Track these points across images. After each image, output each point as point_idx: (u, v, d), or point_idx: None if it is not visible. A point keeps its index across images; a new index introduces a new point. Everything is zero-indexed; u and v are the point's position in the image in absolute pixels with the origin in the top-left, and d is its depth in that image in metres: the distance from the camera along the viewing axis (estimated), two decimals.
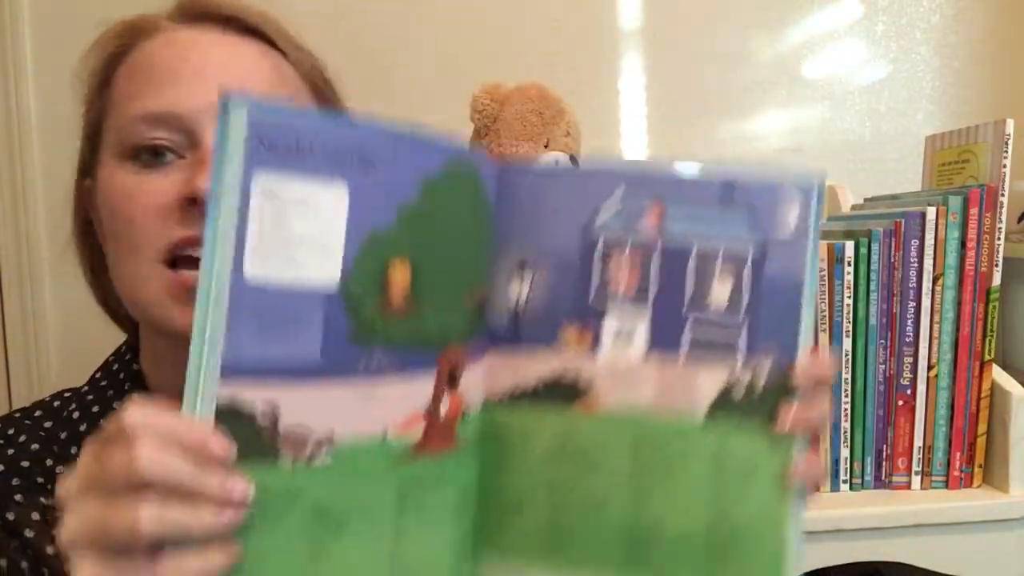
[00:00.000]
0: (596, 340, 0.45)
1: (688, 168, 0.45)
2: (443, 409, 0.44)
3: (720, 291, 0.44)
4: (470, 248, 0.44)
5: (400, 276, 0.41)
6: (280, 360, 0.38)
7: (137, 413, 0.36)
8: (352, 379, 0.40)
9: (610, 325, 0.45)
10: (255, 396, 0.37)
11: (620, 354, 0.45)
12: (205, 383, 0.37)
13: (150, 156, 0.52)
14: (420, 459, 0.42)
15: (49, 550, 0.52)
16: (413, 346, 0.42)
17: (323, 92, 0.61)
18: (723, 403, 0.44)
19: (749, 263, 0.44)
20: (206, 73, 0.54)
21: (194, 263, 0.51)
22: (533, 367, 0.45)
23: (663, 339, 0.44)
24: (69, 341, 1.24)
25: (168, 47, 0.55)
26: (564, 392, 0.45)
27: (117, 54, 0.57)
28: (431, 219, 0.42)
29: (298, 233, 0.38)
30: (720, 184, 0.45)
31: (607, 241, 0.45)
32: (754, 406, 0.44)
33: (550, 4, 1.29)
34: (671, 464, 0.44)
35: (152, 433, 0.35)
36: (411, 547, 0.42)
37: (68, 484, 0.37)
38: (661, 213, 0.45)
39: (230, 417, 0.37)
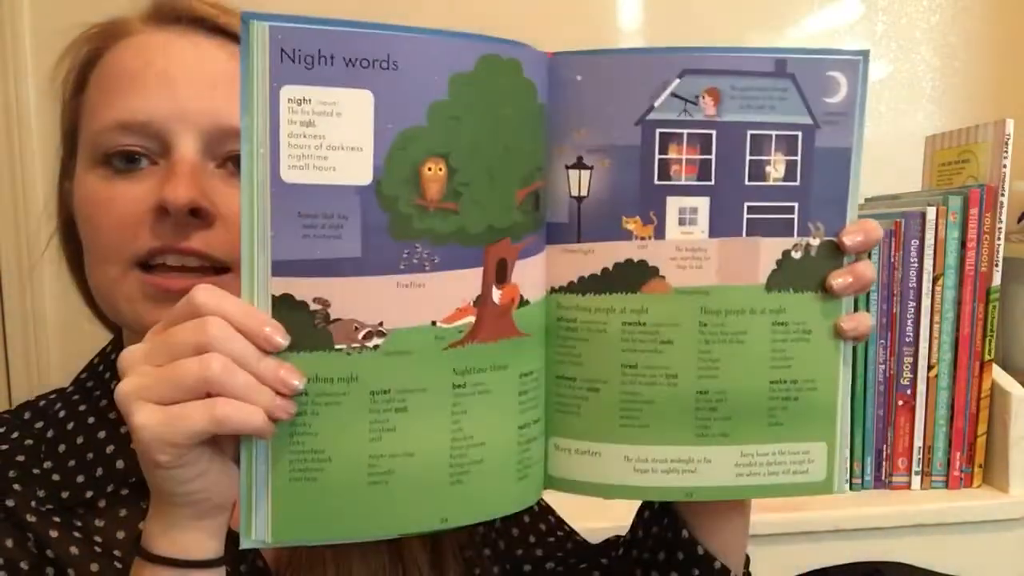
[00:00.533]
0: (660, 226, 0.47)
1: (740, 50, 0.47)
2: (496, 299, 0.45)
3: (776, 166, 0.47)
4: (519, 142, 0.45)
5: (433, 173, 0.43)
6: (325, 256, 0.41)
7: (207, 294, 0.40)
8: (395, 273, 0.42)
9: (672, 210, 0.47)
10: (305, 290, 0.41)
11: (684, 237, 0.47)
12: (259, 280, 0.41)
13: (123, 162, 0.52)
14: (474, 345, 0.44)
15: (52, 534, 0.52)
16: (457, 241, 0.43)
17: None
18: (781, 271, 0.47)
19: (801, 137, 0.47)
20: (175, 78, 0.53)
21: (167, 269, 0.51)
22: (598, 257, 0.47)
23: (724, 217, 0.47)
24: (69, 341, 1.24)
25: (142, 51, 0.54)
26: (631, 278, 0.47)
27: (91, 59, 0.56)
28: (467, 115, 0.43)
29: (328, 138, 0.41)
30: (773, 61, 0.46)
31: (665, 129, 0.46)
32: (808, 272, 0.48)
33: (550, 4, 1.29)
34: (737, 331, 0.47)
35: (220, 312, 0.39)
36: (474, 425, 0.45)
37: (132, 352, 0.41)
38: (717, 96, 0.46)
39: (285, 309, 0.41)
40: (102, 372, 0.60)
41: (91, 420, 0.57)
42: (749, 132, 0.46)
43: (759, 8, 1.31)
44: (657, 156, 0.46)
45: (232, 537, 0.55)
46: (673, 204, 0.47)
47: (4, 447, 0.56)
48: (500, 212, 0.45)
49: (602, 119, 0.46)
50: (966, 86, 1.33)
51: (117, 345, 0.62)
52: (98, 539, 0.53)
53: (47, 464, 0.55)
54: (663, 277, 0.47)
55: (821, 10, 1.31)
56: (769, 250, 0.47)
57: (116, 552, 0.53)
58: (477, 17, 1.27)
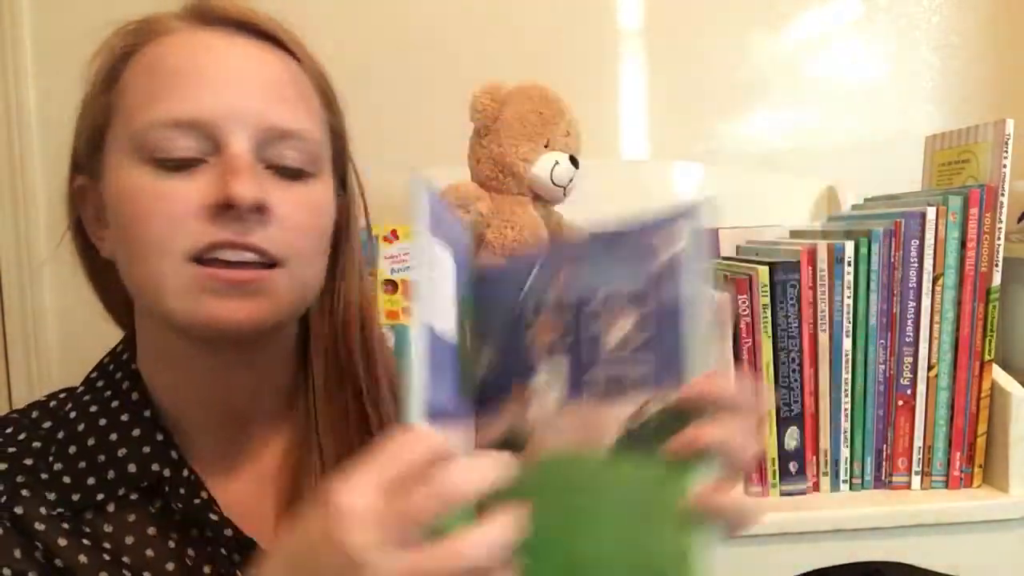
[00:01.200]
0: (531, 395, 0.48)
1: (584, 232, 0.50)
2: None
3: (620, 330, 0.47)
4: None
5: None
6: (438, 401, 0.42)
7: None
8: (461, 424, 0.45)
9: (539, 379, 0.48)
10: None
11: (546, 403, 0.47)
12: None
13: (173, 161, 0.52)
14: None
15: (61, 542, 0.52)
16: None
17: (330, 101, 0.62)
18: (625, 437, 0.44)
19: (641, 298, 0.47)
20: (229, 78, 0.54)
21: (222, 263, 0.52)
22: (493, 427, 0.48)
23: (578, 383, 0.47)
24: (69, 341, 1.24)
25: (186, 49, 0.54)
26: (512, 447, 0.47)
27: (126, 53, 0.56)
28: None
29: (441, 291, 0.44)
30: (610, 234, 0.49)
31: (529, 308, 0.50)
32: (649, 436, 0.44)
33: (550, 4, 1.29)
34: (589, 503, 0.44)
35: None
36: None
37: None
38: (566, 275, 0.49)
39: None
40: (113, 372, 0.60)
41: (103, 422, 0.57)
42: (593, 300, 0.47)
43: (759, 8, 1.31)
44: (526, 333, 0.48)
45: (240, 541, 0.55)
46: (539, 374, 0.48)
47: (12, 450, 0.56)
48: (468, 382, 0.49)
49: (493, 309, 0.50)
50: (966, 86, 1.33)
51: (129, 344, 0.62)
52: (107, 545, 0.53)
53: (57, 466, 0.55)
54: (533, 446, 0.46)
55: (821, 10, 1.31)
56: (617, 413, 0.45)
57: (125, 559, 0.53)
58: (477, 16, 1.27)
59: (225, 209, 0.51)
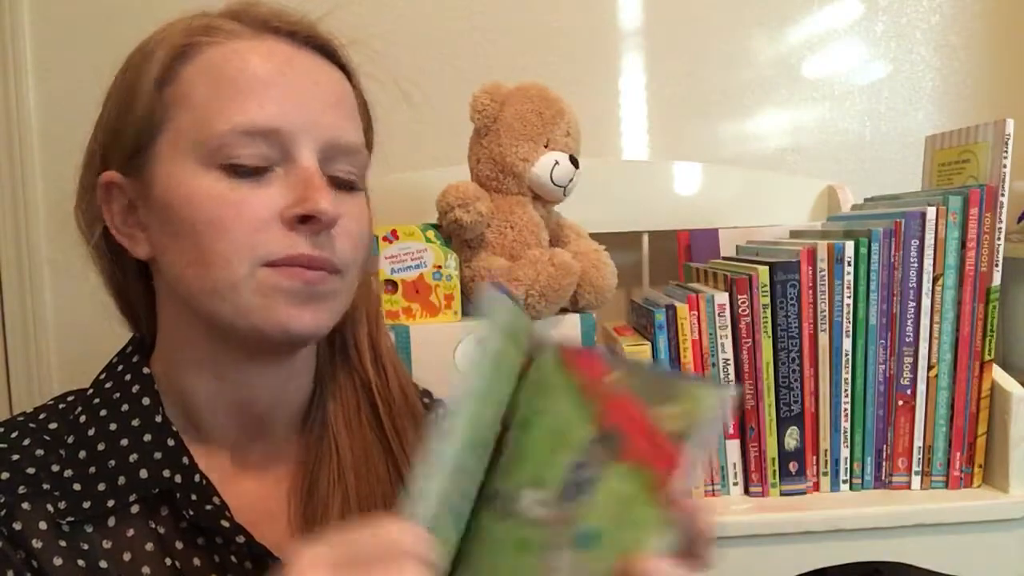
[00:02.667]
0: None
1: None
2: None
3: None
4: None
5: None
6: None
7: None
8: None
9: None
10: None
11: None
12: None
13: (246, 168, 0.53)
14: None
15: (56, 561, 0.52)
16: None
17: (369, 117, 0.63)
18: None
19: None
20: (301, 90, 0.55)
21: (298, 276, 0.53)
22: None
23: None
24: (69, 341, 1.24)
25: (259, 57, 0.55)
26: None
27: (184, 52, 0.55)
28: None
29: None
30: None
31: None
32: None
33: (550, 4, 1.29)
34: None
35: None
36: None
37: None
38: None
39: None
40: (122, 373, 0.60)
41: (113, 427, 0.57)
42: None
43: (759, 8, 1.31)
44: None
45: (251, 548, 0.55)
46: None
47: (15, 457, 0.55)
48: None
49: None
50: (966, 86, 1.33)
51: (139, 345, 0.62)
52: (104, 564, 0.53)
53: (68, 472, 0.55)
54: None
55: (821, 10, 1.31)
56: None
57: None
58: (477, 16, 1.27)
59: (304, 220, 0.53)
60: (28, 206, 1.24)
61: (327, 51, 0.59)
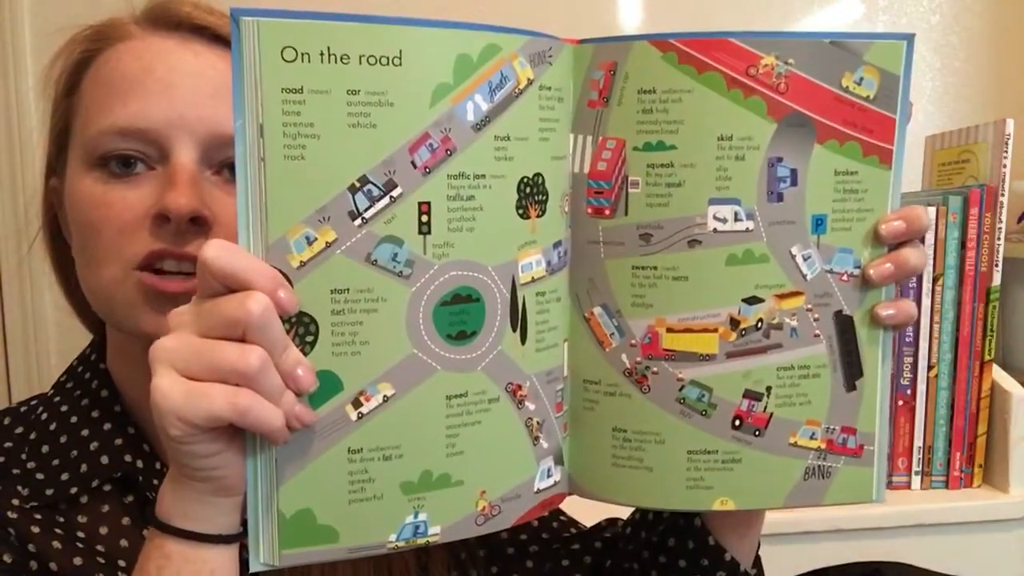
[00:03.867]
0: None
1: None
2: None
3: None
4: None
5: None
6: None
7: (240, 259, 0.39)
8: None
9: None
10: None
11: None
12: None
13: (119, 166, 0.53)
14: None
15: (34, 529, 0.52)
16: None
17: None
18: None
19: None
20: (175, 85, 0.53)
21: (165, 273, 0.52)
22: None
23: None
24: (69, 341, 1.24)
25: (135, 57, 0.54)
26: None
27: (84, 60, 0.56)
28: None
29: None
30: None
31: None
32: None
33: (550, 4, 1.29)
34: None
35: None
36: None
37: (179, 311, 0.41)
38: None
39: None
40: (82, 373, 0.61)
41: (74, 419, 0.57)
42: None
43: (759, 8, 1.31)
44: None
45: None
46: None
47: None
48: None
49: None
50: (966, 86, 1.33)
51: (97, 348, 0.62)
52: (80, 535, 0.53)
53: (30, 464, 0.55)
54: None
55: (821, 10, 1.31)
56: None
57: (99, 547, 0.53)
58: (477, 13, 1.27)
59: (163, 220, 0.51)
60: (28, 206, 1.24)
61: (216, 36, 0.56)
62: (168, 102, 0.53)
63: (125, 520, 0.55)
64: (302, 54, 0.40)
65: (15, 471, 0.55)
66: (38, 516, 0.53)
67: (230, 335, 0.39)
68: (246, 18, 0.39)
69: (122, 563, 0.53)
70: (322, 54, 0.40)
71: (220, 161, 0.53)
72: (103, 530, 0.54)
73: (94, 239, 0.53)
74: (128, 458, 0.56)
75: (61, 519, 0.54)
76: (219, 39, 0.56)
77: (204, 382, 0.38)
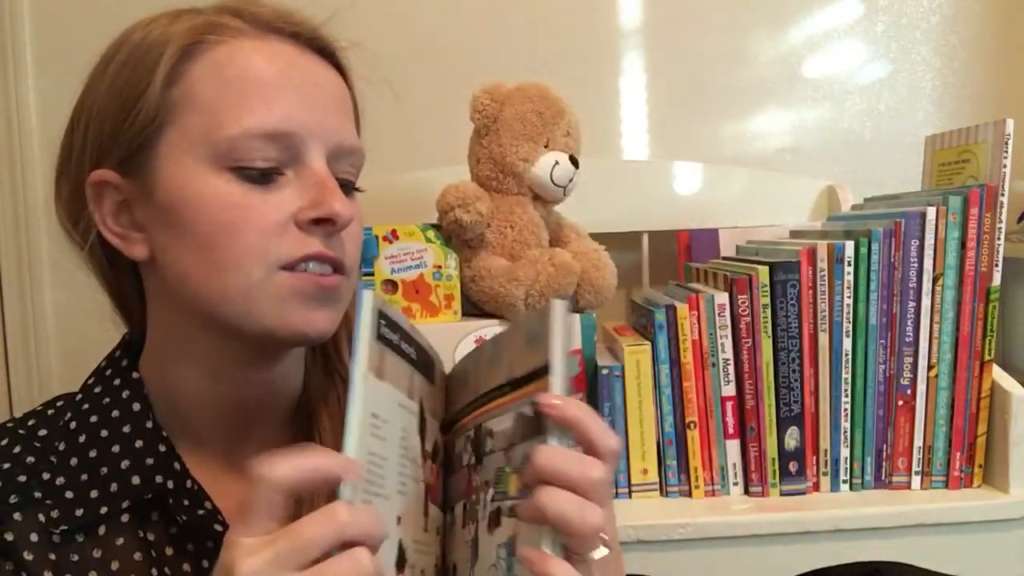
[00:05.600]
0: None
1: None
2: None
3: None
4: None
5: None
6: None
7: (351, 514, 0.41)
8: None
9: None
10: None
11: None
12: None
13: (257, 171, 0.53)
14: None
15: (47, 574, 0.52)
16: None
17: (359, 119, 0.63)
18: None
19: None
20: (311, 92, 0.55)
21: (313, 281, 0.54)
22: None
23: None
24: (69, 341, 1.24)
25: (265, 58, 0.54)
26: None
27: (190, 51, 0.54)
28: None
29: None
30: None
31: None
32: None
33: (550, 4, 1.29)
34: None
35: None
36: None
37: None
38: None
39: None
40: (111, 378, 0.60)
41: (104, 433, 0.56)
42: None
43: (759, 8, 1.31)
44: None
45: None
46: None
47: (6, 465, 0.55)
48: None
49: None
50: (966, 86, 1.33)
51: (126, 349, 0.61)
52: (92, 574, 0.53)
53: (59, 480, 0.55)
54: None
55: (821, 10, 1.31)
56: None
57: None
58: (477, 16, 1.27)
59: (319, 223, 0.53)
60: (28, 206, 1.24)
61: (327, 53, 0.59)
62: (309, 108, 0.54)
63: (137, 556, 0.54)
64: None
65: (37, 494, 0.54)
66: (52, 556, 0.52)
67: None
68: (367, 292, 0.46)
69: None
70: None
71: (335, 171, 0.56)
72: (115, 565, 0.54)
73: (231, 240, 0.52)
74: (159, 479, 0.55)
75: (75, 557, 0.53)
76: (323, 53, 0.58)
77: None
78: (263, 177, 0.53)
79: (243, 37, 0.55)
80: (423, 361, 0.53)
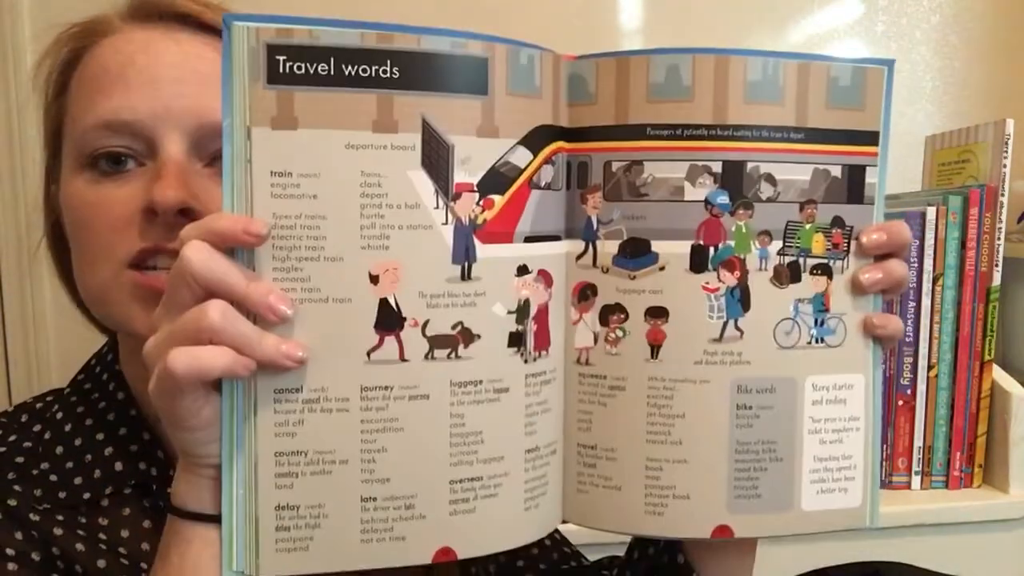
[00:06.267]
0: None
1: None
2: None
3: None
4: None
5: None
6: None
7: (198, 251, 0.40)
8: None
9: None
10: None
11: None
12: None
13: (109, 164, 0.51)
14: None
15: (57, 531, 0.52)
16: None
17: None
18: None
19: None
20: (158, 76, 0.52)
21: (158, 270, 0.51)
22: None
23: None
24: (69, 341, 1.24)
25: (117, 51, 0.53)
26: None
27: (71, 59, 0.55)
28: None
29: None
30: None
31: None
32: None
33: (550, 4, 1.29)
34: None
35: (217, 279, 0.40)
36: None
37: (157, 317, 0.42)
38: None
39: None
40: (99, 374, 0.60)
41: (89, 422, 0.57)
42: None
43: (759, 8, 1.31)
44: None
45: None
46: None
47: (2, 449, 0.56)
48: None
49: None
50: (966, 86, 1.33)
51: (113, 347, 0.61)
52: (103, 536, 0.53)
53: (44, 465, 0.55)
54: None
55: (821, 10, 1.31)
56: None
57: (121, 549, 0.53)
58: (476, 16, 1.27)
59: (152, 215, 0.50)
60: (28, 206, 1.24)
61: (202, 24, 0.55)
62: (153, 93, 0.51)
63: (146, 523, 0.54)
64: None
65: (34, 472, 0.55)
66: (60, 517, 0.53)
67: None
68: (238, 24, 0.39)
69: (144, 565, 0.53)
70: None
71: (211, 153, 0.52)
72: (124, 533, 0.54)
73: (87, 239, 0.52)
74: (142, 466, 0.55)
75: (83, 520, 0.53)
76: (203, 27, 0.55)
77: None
78: (114, 170, 0.51)
79: (111, 34, 0.54)
80: (425, 72, 0.43)
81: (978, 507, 0.89)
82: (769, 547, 0.87)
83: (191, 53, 0.54)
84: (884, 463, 0.93)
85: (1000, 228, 0.91)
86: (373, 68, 0.41)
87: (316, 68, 0.40)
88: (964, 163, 1.00)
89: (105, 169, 0.52)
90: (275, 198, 0.40)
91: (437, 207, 0.42)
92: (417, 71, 0.43)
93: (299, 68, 0.40)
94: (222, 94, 0.40)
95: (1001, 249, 0.91)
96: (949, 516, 0.89)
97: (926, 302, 0.92)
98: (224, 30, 0.39)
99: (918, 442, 0.93)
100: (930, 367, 0.92)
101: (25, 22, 1.23)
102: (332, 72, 0.40)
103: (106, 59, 0.53)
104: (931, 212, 0.91)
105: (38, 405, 0.60)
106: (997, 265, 0.91)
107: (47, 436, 0.57)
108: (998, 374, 0.93)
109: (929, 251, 0.91)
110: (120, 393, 0.58)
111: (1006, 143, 0.92)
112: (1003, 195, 0.91)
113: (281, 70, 0.39)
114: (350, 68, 0.40)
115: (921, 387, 0.92)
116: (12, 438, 0.57)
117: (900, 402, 0.93)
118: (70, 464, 0.55)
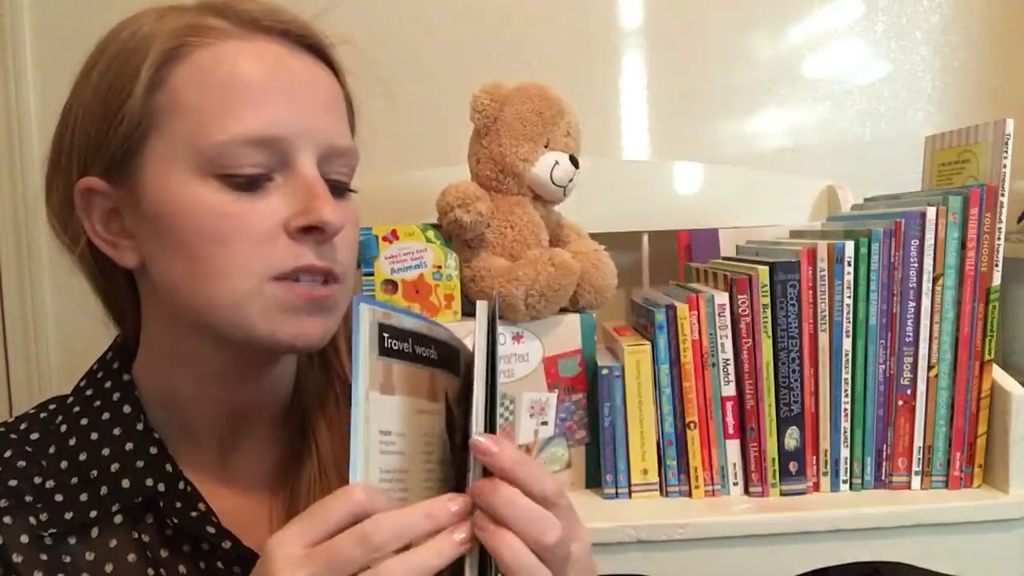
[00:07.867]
0: None
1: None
2: None
3: None
4: None
5: None
6: None
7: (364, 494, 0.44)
8: None
9: None
10: None
11: None
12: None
13: (245, 179, 0.51)
14: None
15: (38, 574, 0.51)
16: None
17: (354, 117, 0.62)
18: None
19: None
20: (298, 95, 0.53)
21: (299, 281, 0.53)
22: None
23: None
24: (69, 341, 1.24)
25: (251, 60, 0.52)
26: None
27: (173, 55, 0.52)
28: None
29: None
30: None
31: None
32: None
33: (550, 4, 1.29)
34: None
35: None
36: None
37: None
38: None
39: None
40: (102, 381, 0.59)
41: (94, 436, 0.56)
42: None
43: (759, 8, 1.31)
44: None
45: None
46: None
47: None
48: None
49: None
50: (966, 86, 1.33)
51: (118, 351, 0.61)
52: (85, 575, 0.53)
53: (49, 483, 0.54)
54: None
55: (821, 10, 1.31)
56: None
57: None
58: (477, 16, 1.27)
59: (308, 231, 0.52)
60: (28, 206, 1.24)
61: (318, 51, 0.57)
62: (296, 111, 0.52)
63: (131, 557, 0.54)
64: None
65: (28, 498, 0.53)
66: (44, 557, 0.52)
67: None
68: (364, 305, 0.46)
69: None
70: None
71: (326, 173, 0.54)
72: (108, 567, 0.53)
73: (219, 251, 0.51)
74: (150, 482, 0.55)
75: (67, 558, 0.52)
76: (314, 50, 0.56)
77: None
78: (251, 184, 0.51)
79: (228, 38, 0.53)
80: (445, 356, 0.51)
81: (978, 507, 0.89)
82: (769, 547, 0.87)
83: (317, 75, 0.56)
84: (884, 463, 0.93)
85: (1000, 228, 0.91)
86: (425, 349, 0.49)
87: (403, 346, 0.48)
88: (964, 163, 1.00)
89: (241, 183, 0.51)
90: (382, 455, 0.45)
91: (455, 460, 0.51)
92: (445, 354, 0.51)
93: (395, 345, 0.47)
94: (353, 361, 0.45)
95: (1001, 249, 0.91)
96: (949, 516, 0.89)
97: (926, 302, 0.92)
98: (354, 307, 0.45)
99: (918, 442, 0.93)
100: (930, 367, 0.92)
101: (25, 22, 1.23)
102: (412, 350, 0.48)
103: (242, 68, 0.52)
104: (931, 212, 0.91)
105: (42, 415, 0.60)
106: (997, 265, 0.91)
107: (51, 450, 0.56)
108: (998, 374, 0.93)
109: (929, 251, 0.91)
110: (126, 406, 0.57)
111: (1006, 143, 0.92)
112: (1003, 195, 0.91)
113: (386, 345, 0.46)
114: (419, 348, 0.49)
115: (921, 387, 0.92)
116: (8, 454, 0.56)
117: (900, 402, 0.93)
118: (75, 480, 0.54)
